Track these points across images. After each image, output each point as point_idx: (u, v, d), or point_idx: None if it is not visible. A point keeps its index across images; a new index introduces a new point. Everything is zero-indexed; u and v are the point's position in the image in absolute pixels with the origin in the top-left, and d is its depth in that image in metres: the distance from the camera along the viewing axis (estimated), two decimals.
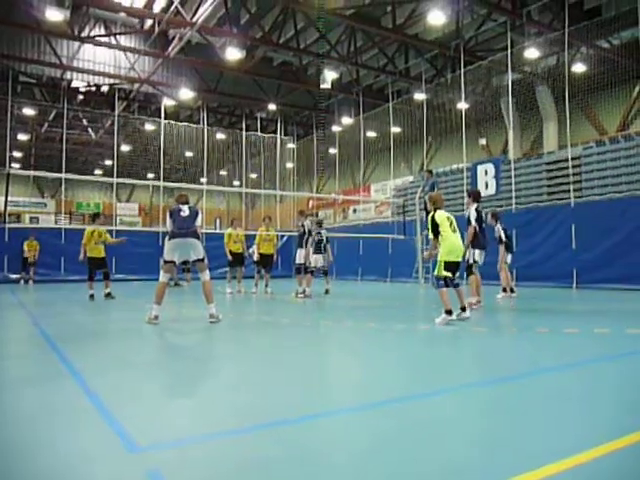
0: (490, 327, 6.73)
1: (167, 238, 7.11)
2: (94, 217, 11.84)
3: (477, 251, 8.44)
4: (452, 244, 6.72)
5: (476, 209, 8.54)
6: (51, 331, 6.18)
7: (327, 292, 12.34)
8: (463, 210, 17.14)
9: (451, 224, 6.81)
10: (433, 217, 6.84)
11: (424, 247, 15.04)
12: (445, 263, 6.65)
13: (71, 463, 2.23)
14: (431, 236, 6.91)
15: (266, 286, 12.78)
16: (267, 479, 2.06)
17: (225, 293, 12.27)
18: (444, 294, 6.56)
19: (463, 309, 6.79)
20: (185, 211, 7.04)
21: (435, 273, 6.79)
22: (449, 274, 6.68)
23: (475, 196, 8.87)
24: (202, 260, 7.01)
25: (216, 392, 3.56)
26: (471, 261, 8.40)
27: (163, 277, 6.98)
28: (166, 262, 7.01)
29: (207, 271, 7.05)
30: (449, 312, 6.48)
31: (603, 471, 2.13)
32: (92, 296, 10.64)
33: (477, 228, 8.38)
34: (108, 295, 10.86)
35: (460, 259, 6.88)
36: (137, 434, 2.54)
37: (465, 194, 16.96)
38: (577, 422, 2.75)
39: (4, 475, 2.11)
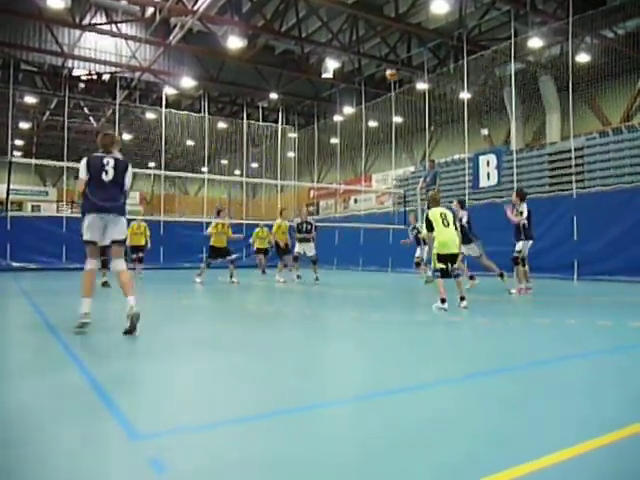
0: (491, 318, 6.74)
1: (81, 208, 5.74)
2: None
3: (521, 243, 9.27)
4: (443, 239, 7.24)
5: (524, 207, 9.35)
6: (53, 319, 6.20)
7: (317, 279, 12.43)
8: (464, 201, 17.18)
9: (444, 219, 7.31)
10: (427, 215, 7.50)
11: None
12: (438, 255, 7.21)
13: (73, 450, 2.25)
14: (424, 232, 7.67)
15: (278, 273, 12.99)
16: (270, 468, 2.07)
17: (228, 282, 12.30)
18: (440, 284, 7.05)
19: (462, 298, 7.19)
20: (109, 170, 5.27)
21: (432, 266, 7.45)
22: (443, 266, 7.18)
23: (463, 204, 10.73)
24: (122, 243, 5.54)
25: (219, 381, 3.58)
26: (515, 254, 9.23)
27: (89, 264, 5.32)
28: (86, 243, 5.34)
29: (122, 259, 5.49)
30: (443, 300, 6.89)
31: (603, 462, 2.14)
32: (106, 283, 10.66)
33: (526, 223, 9.28)
34: (105, 284, 10.90)
35: (454, 251, 7.27)
36: (139, 422, 2.56)
37: (466, 185, 17.07)
38: (578, 414, 2.76)
39: (4, 462, 2.13)
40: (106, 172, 5.25)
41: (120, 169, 5.34)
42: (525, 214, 9.27)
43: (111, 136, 5.54)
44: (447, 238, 7.26)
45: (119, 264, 5.39)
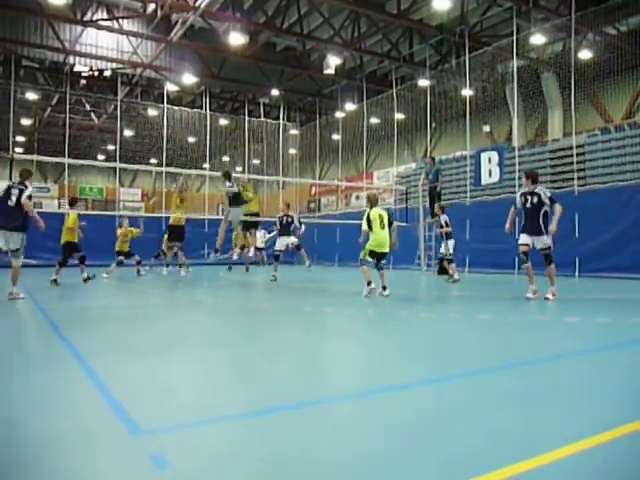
0: (490, 315, 6.74)
1: None
2: (72, 201, 12.03)
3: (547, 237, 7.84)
4: (378, 238, 8.32)
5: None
6: (53, 314, 6.22)
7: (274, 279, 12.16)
8: (466, 198, 17.17)
9: (381, 221, 8.34)
10: (368, 214, 8.40)
11: (426, 234, 15.11)
12: (370, 251, 8.40)
13: (73, 446, 2.26)
14: (365, 228, 8.48)
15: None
16: (271, 464, 2.07)
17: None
18: (365, 270, 8.34)
19: (384, 288, 8.32)
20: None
21: (360, 256, 8.52)
22: (371, 260, 8.45)
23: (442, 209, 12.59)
24: (17, 250, 7.69)
25: (219, 377, 3.58)
26: (549, 250, 7.87)
27: None
28: None
29: (20, 258, 7.77)
30: (369, 283, 8.25)
31: (604, 459, 2.14)
32: (55, 281, 10.71)
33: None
34: (87, 279, 10.90)
35: (385, 250, 8.46)
36: (140, 418, 2.57)
37: (468, 181, 17.04)
38: (578, 411, 2.77)
39: (5, 459, 2.14)
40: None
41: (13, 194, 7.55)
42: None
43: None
44: (383, 239, 8.36)
45: (15, 261, 7.75)
